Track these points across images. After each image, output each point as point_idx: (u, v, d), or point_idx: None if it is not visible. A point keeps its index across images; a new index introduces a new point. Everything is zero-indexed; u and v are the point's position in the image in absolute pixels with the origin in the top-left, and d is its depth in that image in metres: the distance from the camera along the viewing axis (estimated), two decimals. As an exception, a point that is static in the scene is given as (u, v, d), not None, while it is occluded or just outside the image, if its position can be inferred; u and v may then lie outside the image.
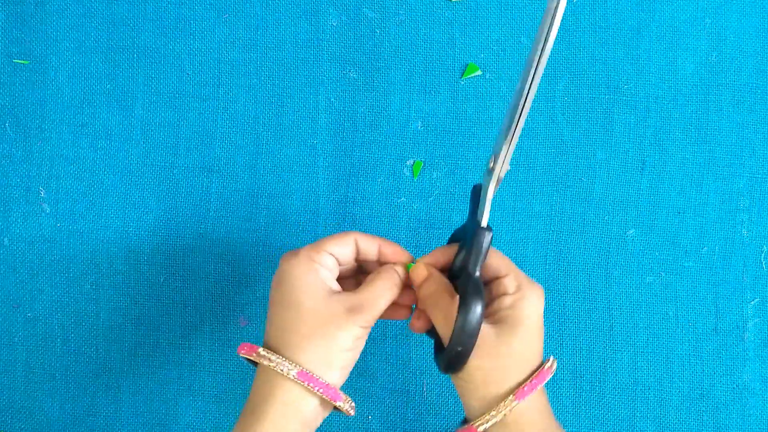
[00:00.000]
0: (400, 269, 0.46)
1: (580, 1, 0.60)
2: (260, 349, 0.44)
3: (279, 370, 0.42)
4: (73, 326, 0.61)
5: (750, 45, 0.60)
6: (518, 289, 0.44)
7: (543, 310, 0.44)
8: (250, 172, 0.61)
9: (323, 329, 0.43)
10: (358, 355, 0.45)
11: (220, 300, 0.61)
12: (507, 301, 0.44)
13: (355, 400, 0.59)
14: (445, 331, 0.44)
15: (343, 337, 0.43)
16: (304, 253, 0.44)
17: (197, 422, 0.60)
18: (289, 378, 0.42)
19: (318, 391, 0.43)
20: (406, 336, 0.60)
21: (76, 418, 0.61)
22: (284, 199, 0.61)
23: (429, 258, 0.47)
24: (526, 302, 0.43)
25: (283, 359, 0.43)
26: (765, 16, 0.60)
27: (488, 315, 0.44)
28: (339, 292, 0.45)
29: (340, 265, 0.47)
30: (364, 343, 0.45)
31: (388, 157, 0.60)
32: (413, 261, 0.48)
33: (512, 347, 0.42)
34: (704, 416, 0.59)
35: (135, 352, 0.61)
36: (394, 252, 0.47)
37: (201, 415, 0.60)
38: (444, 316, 0.44)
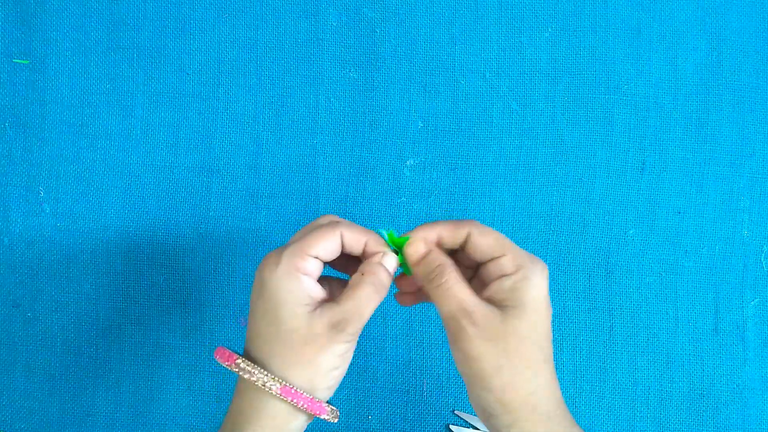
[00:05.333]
0: (388, 262, 0.42)
1: (580, 1, 0.60)
2: (240, 361, 0.41)
3: (261, 385, 0.40)
4: (73, 326, 0.61)
5: (750, 45, 0.60)
6: (518, 268, 0.40)
7: (548, 289, 0.41)
8: (250, 172, 0.61)
9: (304, 352, 0.40)
10: (347, 365, 0.42)
11: (220, 300, 0.61)
12: (506, 283, 0.40)
13: (355, 400, 0.60)
14: (450, 308, 0.40)
15: (326, 361, 0.40)
16: (286, 261, 0.41)
17: (197, 422, 0.60)
18: (272, 394, 0.40)
19: (302, 406, 0.40)
20: (406, 336, 0.60)
21: (76, 418, 0.60)
22: (284, 199, 0.61)
23: (426, 232, 0.43)
24: (528, 283, 0.40)
25: (266, 374, 0.40)
26: (765, 16, 0.60)
27: (488, 299, 0.41)
28: (322, 303, 0.42)
29: (325, 262, 0.43)
30: (353, 351, 0.42)
31: (388, 157, 0.60)
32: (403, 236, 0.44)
33: (518, 331, 0.39)
34: (704, 416, 0.59)
35: (135, 352, 0.61)
36: (379, 250, 0.43)
37: (201, 415, 0.60)
38: (454, 296, 0.40)
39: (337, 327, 0.40)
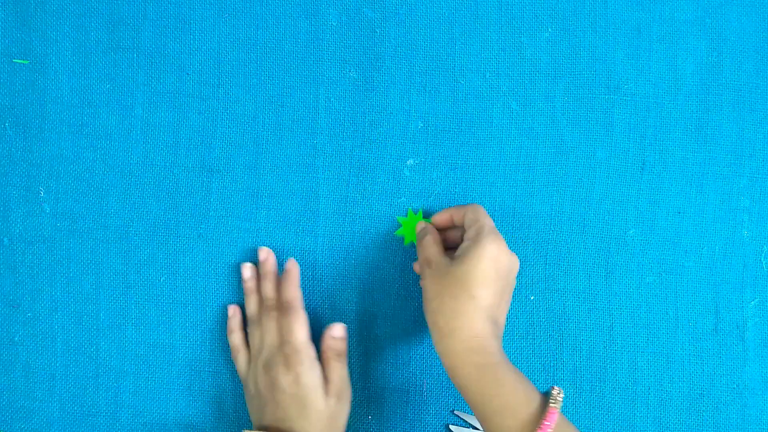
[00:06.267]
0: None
1: (580, 1, 0.60)
2: None
3: None
4: (73, 326, 0.61)
5: (750, 45, 0.60)
6: (476, 236, 0.52)
7: (495, 256, 0.51)
8: (250, 172, 0.61)
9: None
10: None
11: (220, 300, 0.61)
12: (464, 244, 0.53)
13: (355, 400, 0.60)
14: (421, 257, 0.56)
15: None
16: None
17: (197, 422, 0.60)
18: None
19: None
20: (406, 336, 0.60)
21: (76, 418, 0.61)
22: (284, 199, 0.61)
23: (439, 214, 0.58)
24: (478, 245, 0.51)
25: None
26: (765, 16, 0.60)
27: (453, 256, 0.53)
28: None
29: None
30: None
31: (388, 157, 0.60)
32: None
33: (454, 272, 0.51)
34: (704, 416, 0.59)
35: (135, 352, 0.61)
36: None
37: (201, 415, 0.60)
38: (426, 249, 0.55)
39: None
